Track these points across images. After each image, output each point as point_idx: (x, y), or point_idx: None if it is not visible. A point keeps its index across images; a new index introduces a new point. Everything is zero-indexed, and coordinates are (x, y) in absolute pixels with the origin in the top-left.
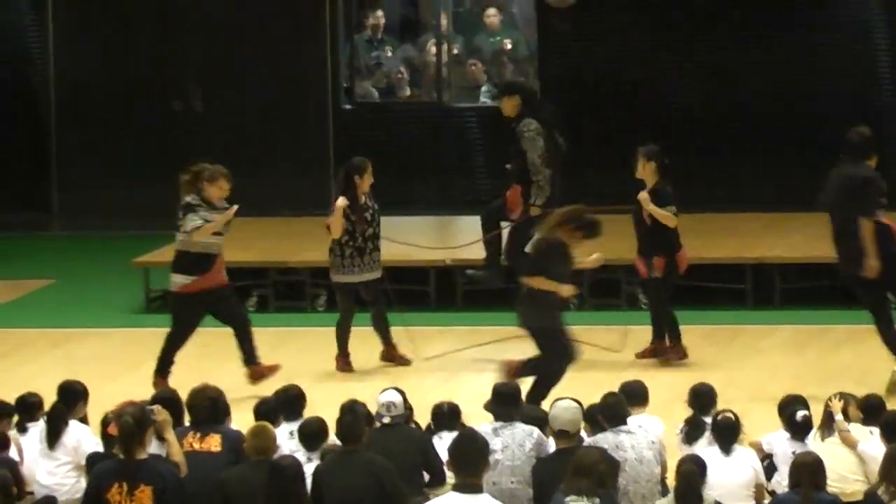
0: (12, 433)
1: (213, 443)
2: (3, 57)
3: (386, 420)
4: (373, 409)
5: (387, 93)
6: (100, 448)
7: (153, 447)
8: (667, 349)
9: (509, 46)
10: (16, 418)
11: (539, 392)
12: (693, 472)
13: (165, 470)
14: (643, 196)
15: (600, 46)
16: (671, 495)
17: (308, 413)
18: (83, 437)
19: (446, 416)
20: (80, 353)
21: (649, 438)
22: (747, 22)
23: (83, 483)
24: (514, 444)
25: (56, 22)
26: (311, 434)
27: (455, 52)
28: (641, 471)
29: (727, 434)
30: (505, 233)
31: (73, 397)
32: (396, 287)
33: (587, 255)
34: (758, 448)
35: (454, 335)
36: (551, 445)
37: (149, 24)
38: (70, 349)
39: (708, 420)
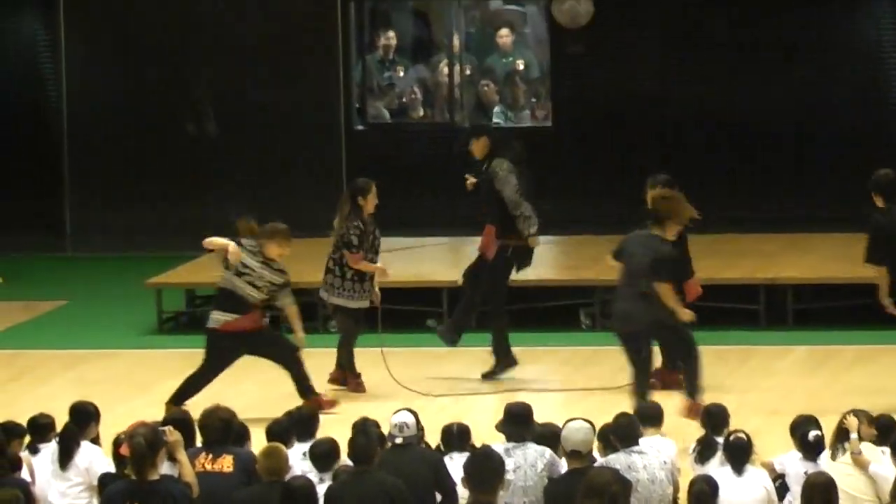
0: (24, 454)
1: (226, 463)
2: (16, 79)
3: (398, 440)
4: (385, 429)
5: (399, 113)
6: (111, 469)
7: (165, 468)
8: (675, 379)
9: (522, 67)
10: (28, 439)
11: (697, 383)
12: (705, 492)
13: (177, 490)
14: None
15: (613, 67)
16: None
17: (321, 434)
18: (95, 458)
19: (456, 436)
20: (93, 374)
21: (661, 459)
22: (760, 42)
23: None
24: (526, 464)
25: (68, 44)
26: (323, 454)
27: (467, 72)
28: (654, 491)
29: (739, 454)
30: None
31: (85, 418)
32: (409, 308)
33: None
34: (770, 468)
35: (467, 356)
36: (563, 466)
37: (161, 46)
38: (82, 370)
39: (720, 440)
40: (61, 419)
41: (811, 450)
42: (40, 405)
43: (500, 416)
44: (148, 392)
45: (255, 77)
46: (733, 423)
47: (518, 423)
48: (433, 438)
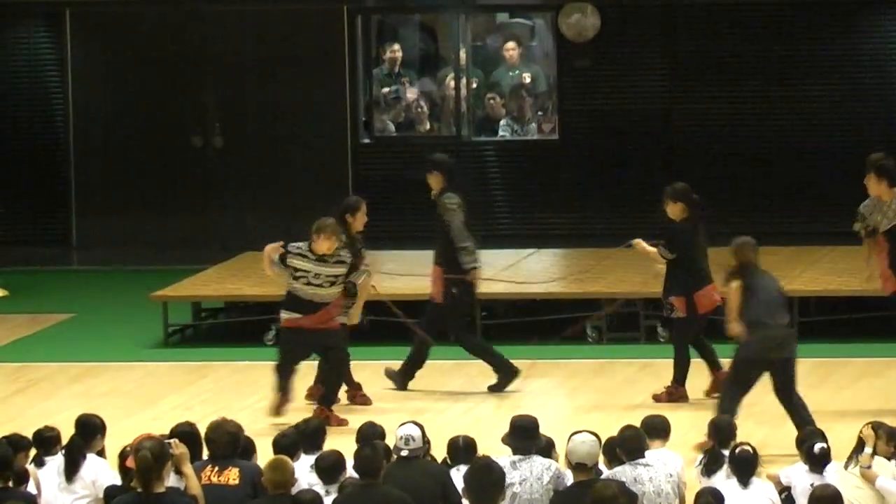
0: (30, 467)
1: (232, 476)
2: (23, 93)
3: (404, 453)
4: (391, 441)
5: (405, 126)
6: (117, 481)
7: (171, 480)
8: (682, 393)
9: (528, 81)
10: (33, 452)
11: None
12: None
13: (183, 503)
14: (637, 241)
15: (619, 81)
16: None
17: (328, 446)
18: (101, 471)
19: (462, 449)
20: (99, 387)
21: (667, 471)
22: (768, 57)
23: None
24: (531, 476)
25: (74, 58)
26: (329, 467)
27: (474, 86)
28: None
29: (745, 467)
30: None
31: (90, 431)
32: (413, 320)
33: None
34: (776, 481)
35: (474, 368)
36: (569, 478)
37: (167, 60)
38: (88, 383)
39: (726, 453)
40: (67, 432)
41: (817, 462)
42: (46, 418)
43: (506, 428)
44: (154, 405)
45: (261, 90)
46: (740, 436)
47: (524, 435)
48: (439, 452)
